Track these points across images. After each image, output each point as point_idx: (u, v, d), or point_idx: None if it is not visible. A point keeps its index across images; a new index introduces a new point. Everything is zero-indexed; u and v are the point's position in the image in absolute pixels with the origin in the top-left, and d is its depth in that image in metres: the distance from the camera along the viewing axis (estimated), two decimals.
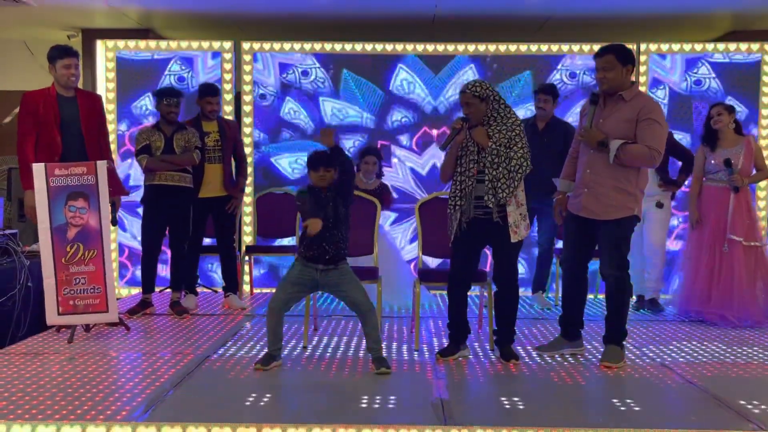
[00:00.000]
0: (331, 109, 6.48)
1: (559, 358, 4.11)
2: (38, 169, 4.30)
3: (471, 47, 6.47)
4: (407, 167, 6.51)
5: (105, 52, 6.56)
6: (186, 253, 5.25)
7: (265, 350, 3.91)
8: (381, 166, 5.83)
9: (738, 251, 5.02)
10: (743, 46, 6.42)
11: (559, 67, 6.45)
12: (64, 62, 4.55)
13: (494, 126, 3.92)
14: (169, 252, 5.28)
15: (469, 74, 6.41)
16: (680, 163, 5.44)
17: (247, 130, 6.44)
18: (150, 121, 6.06)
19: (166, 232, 5.20)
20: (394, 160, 6.48)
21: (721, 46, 6.47)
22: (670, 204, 5.49)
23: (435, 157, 6.42)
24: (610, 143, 3.84)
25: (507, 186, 3.86)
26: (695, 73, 6.41)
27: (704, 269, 5.08)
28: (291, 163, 6.53)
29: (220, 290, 5.94)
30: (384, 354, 3.88)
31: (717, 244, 5.06)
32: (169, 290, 5.40)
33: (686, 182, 5.47)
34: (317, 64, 6.48)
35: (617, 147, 3.81)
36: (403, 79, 6.46)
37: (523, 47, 6.47)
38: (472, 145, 3.94)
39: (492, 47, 6.44)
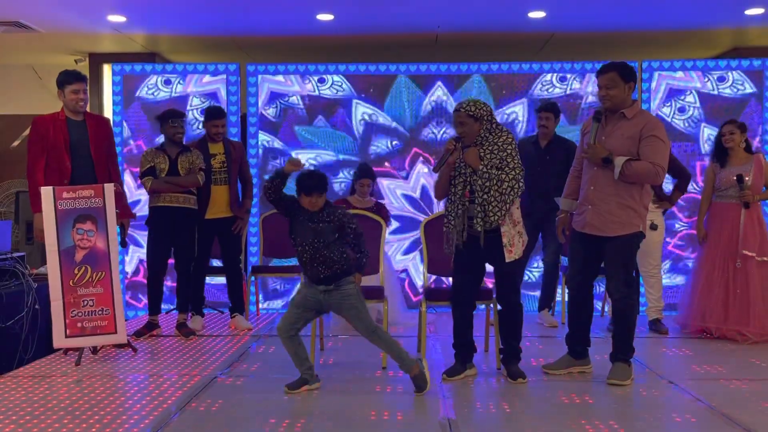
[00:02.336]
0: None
1: (566, 377, 4.10)
2: (46, 192, 4.35)
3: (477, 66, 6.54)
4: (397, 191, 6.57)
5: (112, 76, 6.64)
6: (192, 274, 5.29)
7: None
8: (373, 186, 5.88)
9: (752, 267, 5.01)
10: (745, 62, 6.46)
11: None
12: (73, 87, 4.61)
13: (486, 146, 3.86)
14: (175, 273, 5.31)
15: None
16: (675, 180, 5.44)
17: (252, 151, 6.49)
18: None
19: (172, 254, 5.23)
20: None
21: (722, 62, 6.52)
22: (663, 223, 5.48)
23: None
24: (615, 159, 3.85)
25: (499, 209, 3.80)
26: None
27: (719, 286, 5.05)
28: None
29: (226, 311, 5.95)
30: (421, 368, 3.79)
31: (729, 261, 5.06)
32: (175, 311, 5.41)
33: (679, 200, 5.47)
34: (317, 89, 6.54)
35: (622, 163, 3.83)
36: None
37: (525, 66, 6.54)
38: (464, 166, 3.89)
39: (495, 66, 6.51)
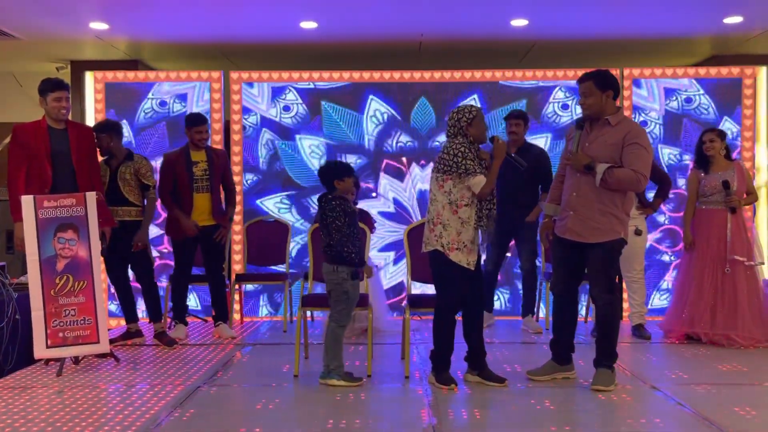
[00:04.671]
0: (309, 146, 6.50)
1: (550, 383, 4.11)
2: (27, 201, 4.31)
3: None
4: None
5: (94, 83, 6.59)
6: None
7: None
8: (358, 194, 5.86)
9: (740, 271, 5.07)
10: (724, 70, 6.53)
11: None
12: (55, 95, 4.57)
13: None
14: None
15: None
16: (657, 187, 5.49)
17: (235, 158, 6.47)
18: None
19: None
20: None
21: (702, 70, 6.59)
22: (647, 229, 5.53)
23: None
24: (597, 167, 3.88)
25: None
26: (685, 92, 6.47)
27: (707, 291, 5.10)
28: (276, 204, 6.54)
29: (209, 319, 5.91)
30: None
31: (718, 266, 5.10)
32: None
33: (661, 206, 5.52)
34: (299, 100, 6.50)
35: (603, 170, 3.86)
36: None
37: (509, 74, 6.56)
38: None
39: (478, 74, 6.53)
